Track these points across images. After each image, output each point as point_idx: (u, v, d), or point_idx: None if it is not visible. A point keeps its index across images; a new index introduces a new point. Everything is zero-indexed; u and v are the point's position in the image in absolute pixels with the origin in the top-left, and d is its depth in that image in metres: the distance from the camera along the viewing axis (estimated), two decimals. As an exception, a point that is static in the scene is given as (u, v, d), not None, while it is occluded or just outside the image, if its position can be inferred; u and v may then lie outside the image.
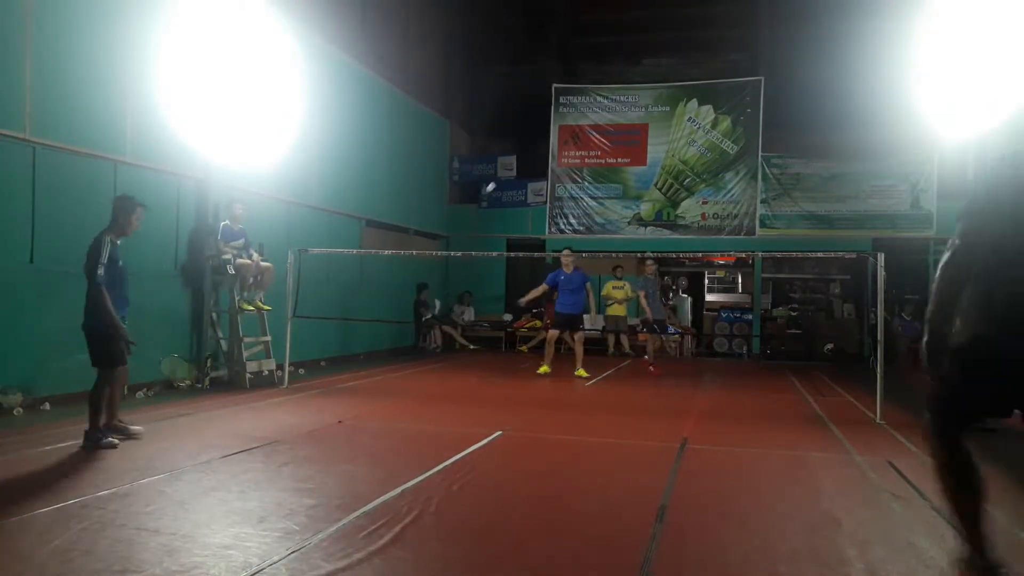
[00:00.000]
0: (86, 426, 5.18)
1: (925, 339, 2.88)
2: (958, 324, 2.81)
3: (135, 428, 5.48)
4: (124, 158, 7.52)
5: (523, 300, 11.22)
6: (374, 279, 12.66)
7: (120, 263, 5.25)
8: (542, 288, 10.71)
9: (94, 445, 5.09)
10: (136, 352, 7.46)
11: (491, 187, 10.91)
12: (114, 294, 5.22)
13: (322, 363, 10.81)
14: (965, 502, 2.85)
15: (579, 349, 10.60)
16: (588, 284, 10.50)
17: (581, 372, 10.34)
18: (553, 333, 10.74)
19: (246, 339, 8.66)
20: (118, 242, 5.32)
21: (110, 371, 5.32)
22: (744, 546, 3.46)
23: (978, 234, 2.80)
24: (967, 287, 2.79)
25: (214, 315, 8.68)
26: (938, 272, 2.88)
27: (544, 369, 10.38)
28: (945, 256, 2.87)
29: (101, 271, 5.08)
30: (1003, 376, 2.73)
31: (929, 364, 2.85)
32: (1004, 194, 2.83)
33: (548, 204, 15.54)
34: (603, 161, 15.41)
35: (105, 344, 5.21)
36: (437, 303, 14.69)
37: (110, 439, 5.16)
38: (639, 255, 14.26)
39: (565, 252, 10.55)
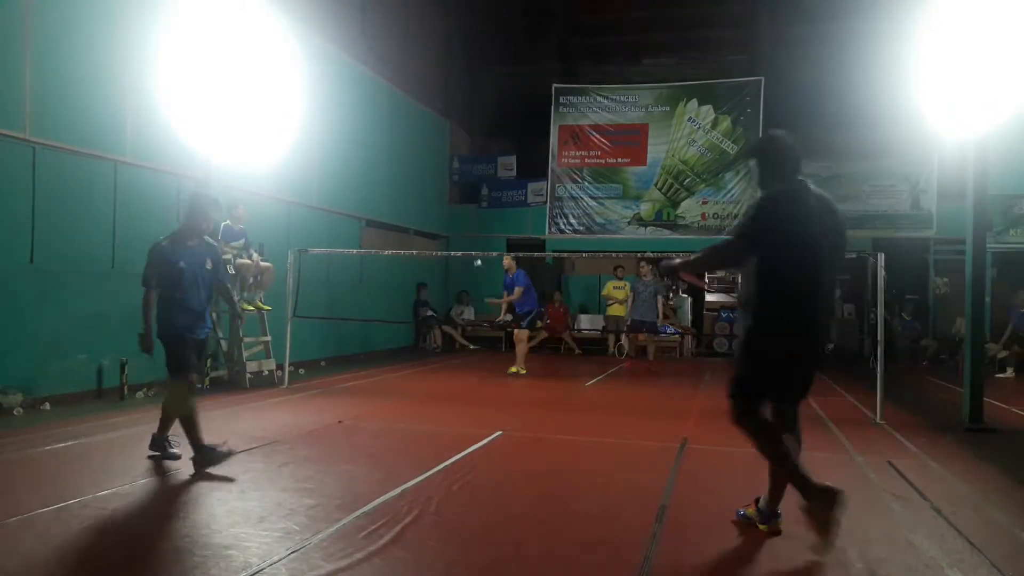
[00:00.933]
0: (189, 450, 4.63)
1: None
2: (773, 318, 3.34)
3: (175, 451, 4.86)
4: (124, 158, 7.52)
5: (501, 319, 11.22)
6: (374, 279, 12.66)
7: (180, 264, 4.68)
8: (505, 297, 10.61)
9: (207, 465, 4.49)
10: (137, 352, 7.51)
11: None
12: (173, 299, 4.70)
13: (322, 363, 10.81)
14: (784, 454, 3.37)
15: (519, 347, 10.49)
16: (516, 287, 10.29)
17: (512, 369, 10.28)
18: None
19: (246, 339, 8.66)
20: (190, 243, 4.79)
21: (182, 379, 4.73)
22: (744, 546, 3.46)
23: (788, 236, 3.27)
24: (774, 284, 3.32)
25: (214, 315, 8.66)
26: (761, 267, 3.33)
27: (515, 370, 10.27)
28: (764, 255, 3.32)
29: (147, 272, 4.68)
30: (791, 366, 3.38)
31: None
32: (809, 203, 3.36)
33: (548, 204, 15.54)
34: (603, 161, 15.41)
35: (168, 349, 4.72)
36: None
37: (175, 450, 4.72)
38: (639, 255, 14.26)
39: (505, 258, 10.51)
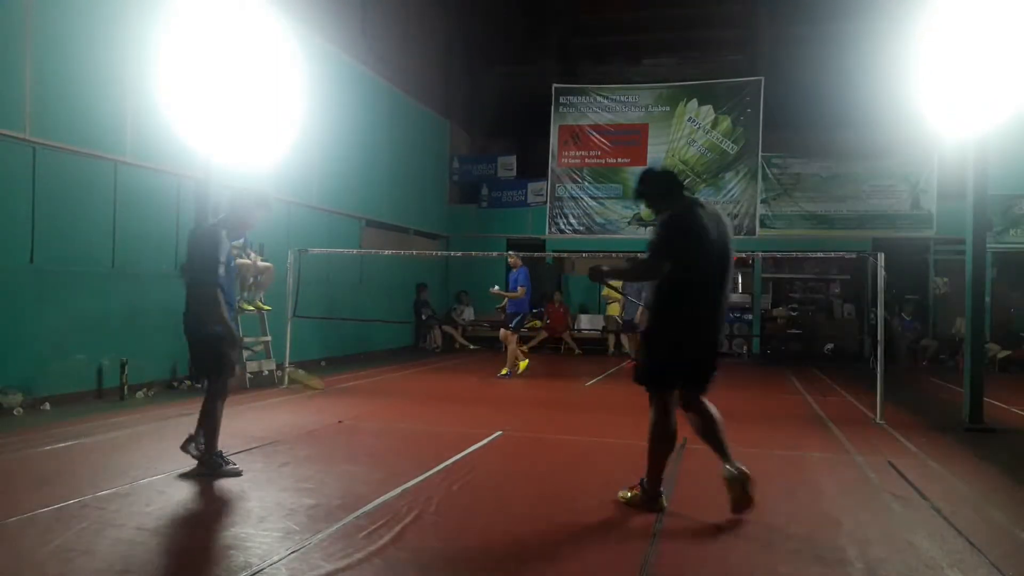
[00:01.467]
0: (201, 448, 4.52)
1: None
2: (678, 321, 3.86)
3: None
4: (124, 158, 7.52)
5: (500, 307, 11.26)
6: (374, 279, 12.66)
7: (232, 263, 4.61)
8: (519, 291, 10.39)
9: (213, 472, 4.39)
10: (137, 351, 7.55)
11: None
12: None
13: (322, 363, 10.80)
14: (668, 448, 3.96)
15: (509, 348, 10.11)
16: (519, 286, 10.04)
17: (503, 371, 10.00)
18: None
19: (246, 339, 8.65)
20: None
21: (223, 381, 4.65)
22: (745, 546, 3.45)
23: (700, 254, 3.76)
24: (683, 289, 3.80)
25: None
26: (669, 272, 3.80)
27: (505, 371, 10.01)
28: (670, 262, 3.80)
29: (222, 270, 4.38)
30: (690, 363, 3.92)
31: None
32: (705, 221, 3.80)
33: (548, 204, 15.53)
34: (603, 161, 15.40)
35: (216, 351, 4.52)
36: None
37: (234, 466, 4.50)
38: (639, 255, 14.24)
39: (510, 255, 10.44)
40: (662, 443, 3.96)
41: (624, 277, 4.25)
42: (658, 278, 3.85)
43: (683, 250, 3.76)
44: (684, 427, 6.44)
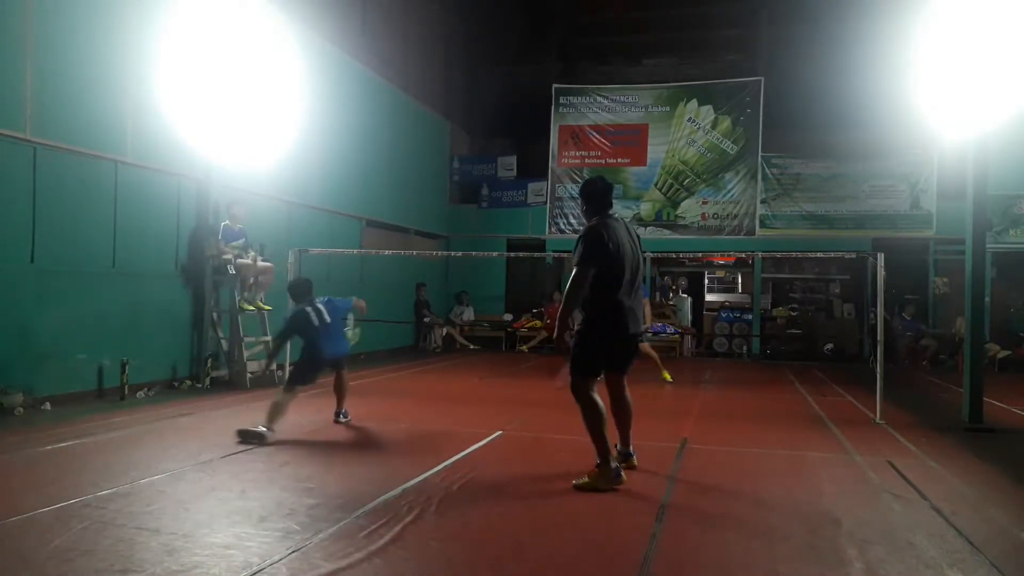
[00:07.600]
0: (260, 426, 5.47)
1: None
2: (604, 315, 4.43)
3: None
4: (125, 158, 7.52)
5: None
6: (374, 279, 12.66)
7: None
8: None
9: (262, 441, 5.37)
10: (138, 352, 7.56)
11: None
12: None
13: (322, 363, 10.80)
14: (601, 421, 4.42)
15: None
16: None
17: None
18: None
19: (246, 339, 8.67)
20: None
21: (293, 384, 5.93)
22: (744, 546, 3.46)
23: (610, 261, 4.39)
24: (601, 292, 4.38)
25: (215, 315, 8.68)
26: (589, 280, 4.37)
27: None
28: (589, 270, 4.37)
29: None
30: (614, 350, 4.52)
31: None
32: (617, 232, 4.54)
33: (548, 204, 15.55)
34: (603, 161, 15.41)
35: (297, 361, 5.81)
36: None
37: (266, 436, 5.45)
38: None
39: None
40: (596, 420, 4.40)
41: (573, 304, 4.43)
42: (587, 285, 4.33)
43: (604, 257, 4.35)
44: (685, 428, 6.47)
